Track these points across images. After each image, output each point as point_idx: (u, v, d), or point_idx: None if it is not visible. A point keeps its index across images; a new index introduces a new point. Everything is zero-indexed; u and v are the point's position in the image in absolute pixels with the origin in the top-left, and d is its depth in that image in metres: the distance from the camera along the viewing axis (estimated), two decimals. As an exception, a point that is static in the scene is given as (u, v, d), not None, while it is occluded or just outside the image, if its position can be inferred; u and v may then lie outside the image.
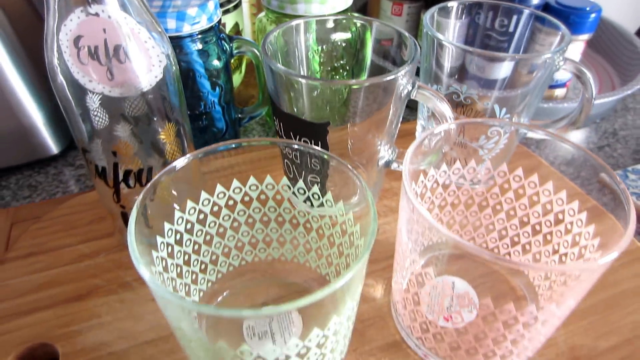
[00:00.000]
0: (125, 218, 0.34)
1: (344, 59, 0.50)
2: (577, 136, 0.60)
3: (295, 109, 0.36)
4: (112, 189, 0.32)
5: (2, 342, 0.31)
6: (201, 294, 0.33)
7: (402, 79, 0.32)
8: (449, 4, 0.44)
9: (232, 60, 0.56)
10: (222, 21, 0.53)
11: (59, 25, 0.30)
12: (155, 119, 0.32)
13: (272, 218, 0.35)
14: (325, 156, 0.30)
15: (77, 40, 0.30)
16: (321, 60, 0.49)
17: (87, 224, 0.40)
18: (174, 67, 0.33)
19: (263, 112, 0.54)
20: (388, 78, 0.31)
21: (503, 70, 0.40)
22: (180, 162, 0.28)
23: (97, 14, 0.30)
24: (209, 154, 0.30)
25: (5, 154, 0.51)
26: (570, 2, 0.54)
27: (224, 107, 0.49)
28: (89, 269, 0.36)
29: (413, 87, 0.33)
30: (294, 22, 0.39)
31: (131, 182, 0.32)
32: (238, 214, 0.34)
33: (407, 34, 0.37)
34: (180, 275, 0.30)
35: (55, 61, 0.30)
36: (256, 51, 0.49)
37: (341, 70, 0.52)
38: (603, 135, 0.60)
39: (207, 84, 0.46)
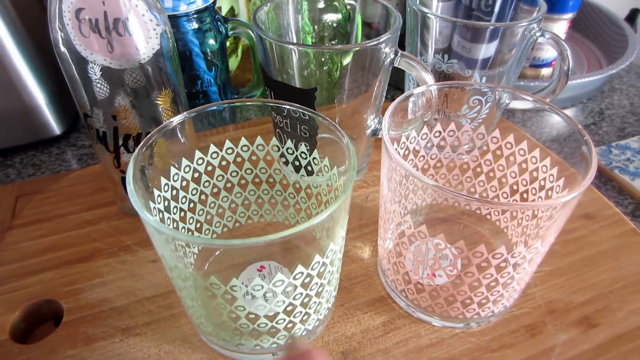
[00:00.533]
0: (125, 183, 0.36)
1: (335, 39, 0.52)
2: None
3: (284, 78, 0.38)
4: (113, 154, 0.34)
5: (10, 299, 0.33)
6: (196, 251, 0.35)
7: (385, 47, 0.34)
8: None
9: (229, 44, 0.58)
10: (218, 4, 0.55)
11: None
12: (153, 89, 0.34)
13: (263, 179, 0.36)
14: (313, 115, 0.32)
15: (78, 12, 0.32)
16: (313, 41, 0.51)
17: (89, 194, 0.42)
18: (171, 40, 0.35)
19: (258, 93, 0.56)
20: (372, 43, 0.33)
21: (485, 49, 0.42)
22: (175, 120, 0.30)
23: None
24: (201, 113, 0.32)
25: (9, 133, 0.52)
26: (553, -18, 0.55)
27: (219, 85, 0.51)
28: (91, 234, 0.38)
29: (396, 55, 0.35)
30: (285, -1, 0.41)
31: (130, 146, 0.34)
32: (231, 174, 0.35)
33: (391, 7, 0.38)
34: (176, 229, 0.31)
35: (59, 32, 0.32)
36: (251, 32, 0.51)
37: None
38: (589, 115, 0.61)
39: (202, 63, 0.48)
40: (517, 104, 0.36)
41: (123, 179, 0.36)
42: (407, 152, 0.35)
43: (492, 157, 0.37)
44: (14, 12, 0.49)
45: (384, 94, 0.39)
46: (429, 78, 0.36)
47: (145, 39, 0.33)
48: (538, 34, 0.39)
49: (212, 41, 0.48)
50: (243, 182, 0.36)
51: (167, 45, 0.35)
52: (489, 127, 0.42)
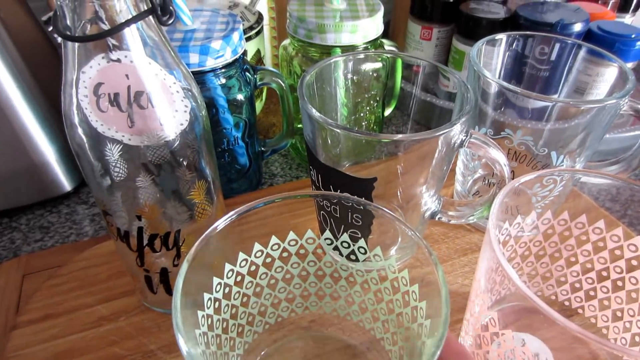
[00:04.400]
0: (149, 282, 0.31)
1: (374, 89, 0.47)
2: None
3: (333, 157, 0.33)
4: (136, 253, 0.29)
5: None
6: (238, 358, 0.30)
7: (459, 132, 0.29)
8: (497, 36, 0.41)
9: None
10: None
11: (78, 72, 0.27)
12: (183, 176, 0.29)
13: (311, 272, 0.32)
14: (373, 210, 0.27)
15: (97, 87, 0.27)
16: (351, 92, 0.46)
17: (105, 279, 0.36)
18: (203, 116, 0.30)
19: (287, 145, 0.51)
20: (442, 132, 0.28)
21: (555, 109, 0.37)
22: (219, 225, 0.25)
23: (118, 60, 0.27)
24: (248, 212, 0.27)
25: (16, 193, 0.48)
26: (613, 29, 0.50)
27: (247, 142, 0.46)
28: (109, 334, 0.33)
29: (467, 136, 0.30)
30: (331, 61, 0.36)
31: (157, 246, 0.29)
32: (275, 270, 0.31)
33: (465, 83, 0.33)
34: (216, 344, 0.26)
35: (74, 111, 0.27)
36: (281, 82, 0.46)
37: (372, 102, 0.49)
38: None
39: (230, 120, 0.43)
40: (591, 179, 0.31)
41: (147, 277, 0.31)
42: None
43: (574, 242, 0.32)
44: (22, 63, 0.44)
45: (447, 172, 0.34)
46: (501, 157, 0.31)
47: (171, 113, 0.29)
48: (625, 107, 0.34)
49: (240, 96, 0.43)
50: (288, 276, 0.31)
51: (198, 119, 0.30)
52: (559, 201, 0.36)
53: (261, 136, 0.58)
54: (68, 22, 0.23)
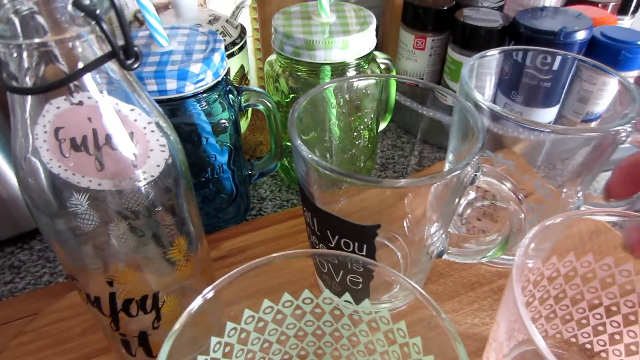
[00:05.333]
0: (126, 345, 0.28)
1: (368, 107, 0.44)
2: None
3: (330, 197, 0.29)
4: (110, 318, 0.26)
5: None
6: None
7: (470, 170, 0.26)
8: (489, 52, 0.38)
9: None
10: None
11: (32, 117, 0.23)
12: (157, 220, 0.25)
13: (309, 332, 0.28)
14: (374, 269, 0.24)
15: (57, 131, 0.24)
16: (344, 111, 0.43)
17: (80, 334, 0.33)
18: (181, 158, 0.26)
19: (276, 167, 0.48)
20: (452, 175, 0.24)
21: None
22: (208, 294, 0.22)
23: (81, 103, 0.23)
24: (236, 278, 0.24)
25: (-17, 230, 0.44)
26: (617, 35, 0.47)
27: (233, 169, 0.42)
28: (84, 400, 0.29)
29: (478, 172, 0.27)
30: (323, 88, 0.33)
31: (133, 311, 0.25)
32: (269, 333, 0.27)
33: (471, 106, 0.30)
34: None
35: (31, 160, 0.24)
36: (268, 102, 0.42)
37: (365, 119, 0.45)
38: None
39: (215, 147, 0.40)
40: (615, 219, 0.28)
41: (124, 341, 0.28)
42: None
43: (599, 284, 0.29)
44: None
45: (457, 209, 0.31)
46: (511, 196, 0.28)
47: (145, 153, 0.25)
48: (630, 132, 0.31)
49: (224, 121, 0.39)
50: (283, 337, 0.28)
51: (177, 161, 0.26)
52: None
53: (248, 156, 0.54)
54: (12, 69, 0.19)
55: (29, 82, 0.20)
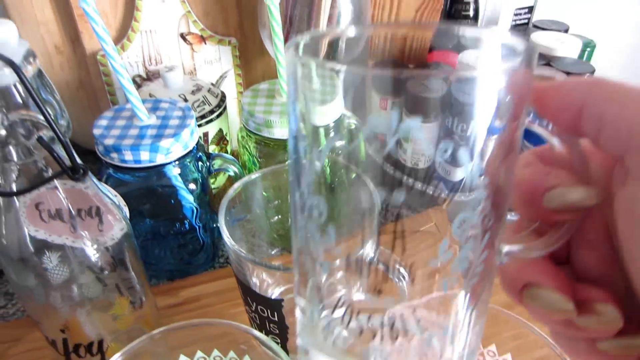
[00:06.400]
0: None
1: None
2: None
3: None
4: (64, 357, 0.32)
5: None
6: None
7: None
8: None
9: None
10: (205, 130, 0.54)
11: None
12: (105, 277, 0.32)
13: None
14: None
15: (37, 205, 0.31)
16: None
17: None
18: (128, 227, 0.33)
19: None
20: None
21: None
22: (145, 341, 0.28)
23: (56, 187, 0.30)
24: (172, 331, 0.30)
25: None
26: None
27: (199, 226, 0.49)
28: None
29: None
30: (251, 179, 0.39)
31: (82, 353, 0.32)
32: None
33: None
34: None
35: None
36: (235, 168, 0.49)
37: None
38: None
39: (183, 206, 0.46)
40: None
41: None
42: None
43: None
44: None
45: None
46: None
47: (108, 222, 0.32)
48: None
49: (192, 185, 0.46)
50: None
51: (129, 230, 0.33)
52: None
53: (225, 205, 0.61)
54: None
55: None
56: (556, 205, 0.18)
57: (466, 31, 0.23)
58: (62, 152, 0.25)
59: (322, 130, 0.20)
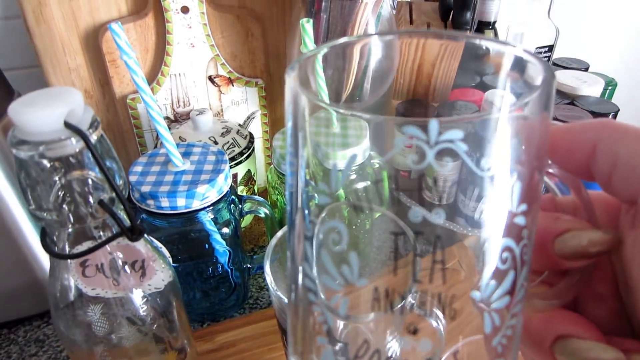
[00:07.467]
0: None
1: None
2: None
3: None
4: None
5: None
6: None
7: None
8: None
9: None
10: (234, 171, 0.54)
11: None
12: (150, 329, 0.32)
13: None
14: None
15: (83, 262, 0.31)
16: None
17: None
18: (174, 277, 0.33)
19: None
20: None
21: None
22: None
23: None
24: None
25: (17, 305, 0.51)
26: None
27: (231, 268, 0.49)
28: None
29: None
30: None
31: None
32: None
33: None
34: None
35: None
36: (266, 210, 0.49)
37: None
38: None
39: (216, 251, 0.46)
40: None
41: None
42: None
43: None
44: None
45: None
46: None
47: (150, 274, 0.32)
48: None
49: (225, 229, 0.46)
50: None
51: (175, 281, 0.33)
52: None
53: (252, 245, 0.61)
54: (55, 239, 0.27)
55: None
56: (569, 250, 0.17)
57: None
58: (121, 214, 0.25)
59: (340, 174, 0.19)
